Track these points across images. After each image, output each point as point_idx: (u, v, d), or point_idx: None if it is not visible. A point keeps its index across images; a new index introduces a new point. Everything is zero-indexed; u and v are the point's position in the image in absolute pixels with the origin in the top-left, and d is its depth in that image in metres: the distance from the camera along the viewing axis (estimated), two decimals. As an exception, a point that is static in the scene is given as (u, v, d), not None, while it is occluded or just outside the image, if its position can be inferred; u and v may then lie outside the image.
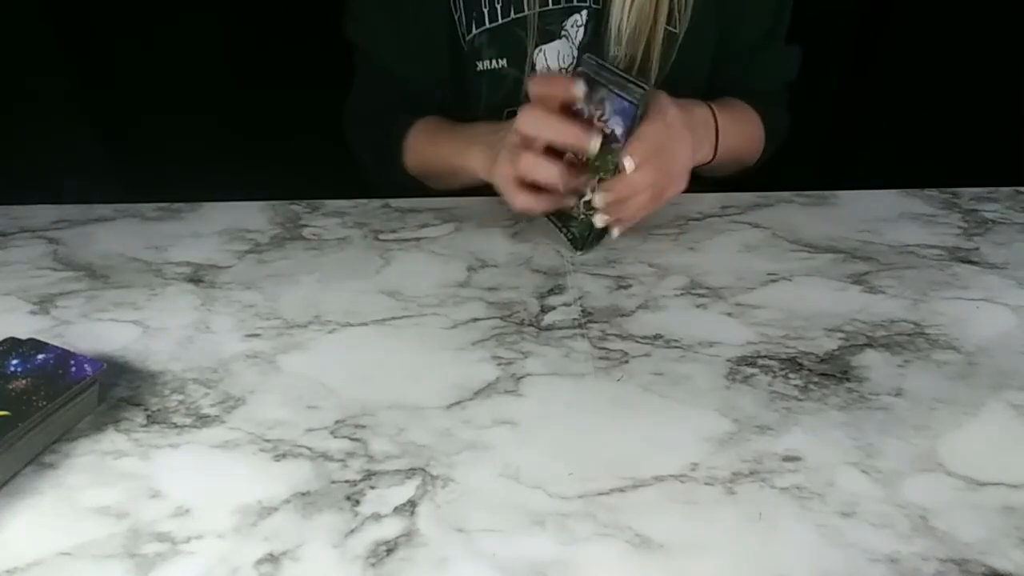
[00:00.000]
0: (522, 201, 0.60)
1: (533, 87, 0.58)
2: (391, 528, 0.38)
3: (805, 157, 1.08)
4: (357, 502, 0.40)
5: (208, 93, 1.24)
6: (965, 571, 0.36)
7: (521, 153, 0.58)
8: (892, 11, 1.22)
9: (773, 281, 0.59)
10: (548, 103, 0.58)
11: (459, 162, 0.69)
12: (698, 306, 0.56)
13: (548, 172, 0.57)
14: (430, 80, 0.80)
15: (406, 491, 0.40)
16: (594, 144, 0.56)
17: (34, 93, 1.20)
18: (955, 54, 1.16)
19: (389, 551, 0.37)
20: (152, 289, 0.59)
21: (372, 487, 0.40)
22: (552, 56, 0.76)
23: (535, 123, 0.57)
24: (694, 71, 0.77)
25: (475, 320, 0.55)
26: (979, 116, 1.14)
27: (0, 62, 1.15)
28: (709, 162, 0.71)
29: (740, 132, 0.76)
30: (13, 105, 1.17)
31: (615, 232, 0.62)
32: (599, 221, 0.60)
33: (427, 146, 0.77)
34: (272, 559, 0.36)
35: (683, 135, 0.62)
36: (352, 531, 0.38)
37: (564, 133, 0.57)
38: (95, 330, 0.54)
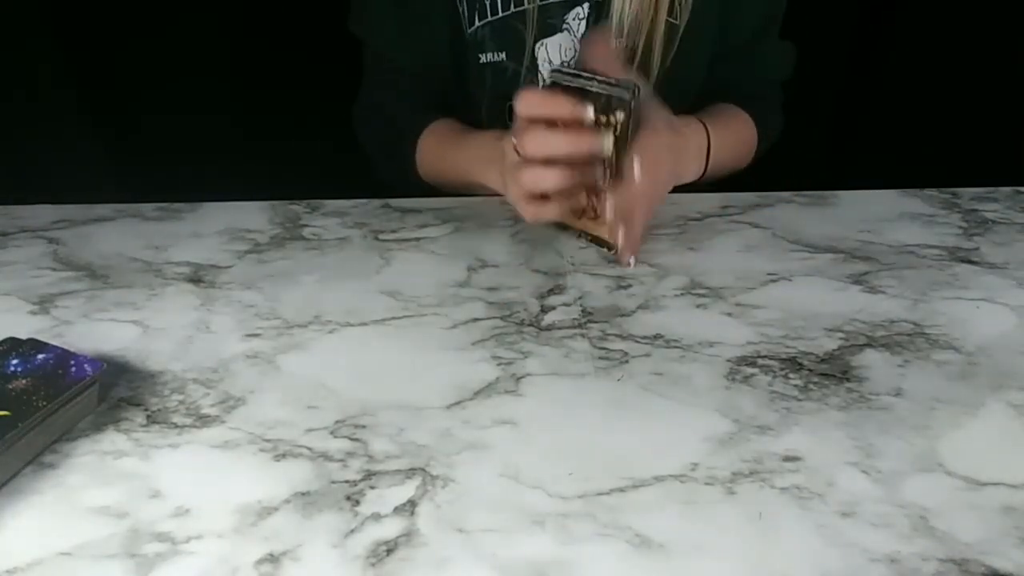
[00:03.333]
0: (531, 212, 0.59)
1: (527, 107, 0.56)
2: (391, 528, 0.38)
3: (805, 157, 1.08)
4: (357, 502, 0.40)
5: (208, 93, 1.24)
6: (965, 571, 0.36)
7: (522, 169, 0.57)
8: (892, 11, 1.22)
9: (773, 281, 0.59)
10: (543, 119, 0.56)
11: (478, 180, 0.69)
12: (698, 306, 0.56)
13: (553, 180, 0.56)
14: (435, 73, 0.80)
15: (406, 491, 0.40)
16: (607, 145, 0.56)
17: (34, 93, 1.20)
18: (955, 54, 1.16)
19: (389, 551, 0.37)
20: (152, 289, 0.59)
21: (372, 487, 0.40)
22: (554, 50, 0.76)
23: (542, 144, 0.56)
24: (695, 63, 0.77)
25: (475, 320, 0.55)
26: (979, 116, 1.14)
27: (0, 62, 1.15)
28: (699, 179, 0.71)
29: (733, 144, 0.76)
30: (13, 105, 1.17)
31: (632, 261, 0.61)
32: (613, 236, 0.60)
33: (441, 158, 0.76)
34: (272, 559, 0.36)
35: (671, 153, 0.61)
36: (352, 531, 0.38)
37: (578, 144, 0.55)
38: (95, 330, 0.54)
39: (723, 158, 0.72)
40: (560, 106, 0.55)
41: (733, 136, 0.75)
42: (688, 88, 0.78)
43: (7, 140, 1.16)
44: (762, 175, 0.81)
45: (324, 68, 0.88)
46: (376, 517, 0.39)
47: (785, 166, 0.84)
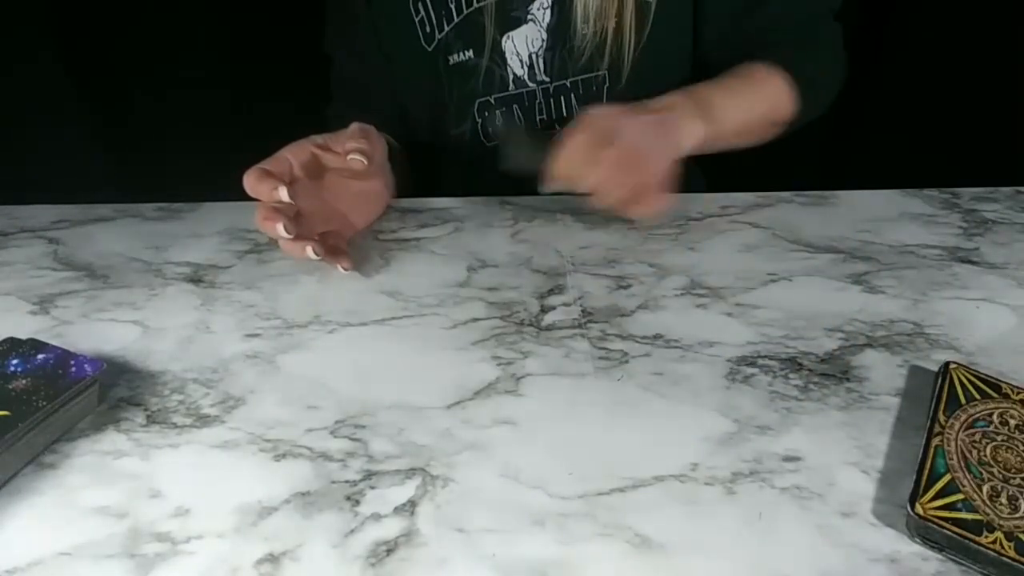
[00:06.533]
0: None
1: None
2: (391, 528, 0.38)
3: (805, 157, 1.08)
4: (357, 502, 0.40)
5: (208, 93, 1.24)
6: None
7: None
8: (892, 11, 1.22)
9: (773, 281, 0.59)
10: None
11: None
12: (698, 306, 0.56)
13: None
14: (388, 89, 0.81)
15: (406, 491, 0.40)
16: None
17: (34, 93, 1.20)
18: (955, 54, 1.16)
19: (389, 551, 0.37)
20: (152, 289, 0.59)
21: (372, 487, 0.40)
22: (520, 41, 0.76)
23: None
24: (674, 38, 0.75)
25: (475, 320, 0.55)
26: (979, 116, 1.14)
27: (0, 62, 1.15)
28: (709, 136, 0.67)
29: (740, 88, 0.72)
30: (13, 105, 1.17)
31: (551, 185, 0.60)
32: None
33: None
34: (272, 559, 0.36)
35: (644, 127, 0.60)
36: (352, 531, 0.38)
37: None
38: (95, 330, 0.54)
39: (734, 104, 0.70)
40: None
41: (739, 83, 0.72)
42: (672, 62, 0.76)
43: (7, 140, 1.16)
44: (762, 175, 0.81)
45: (325, 69, 0.88)
46: (376, 517, 0.39)
47: (785, 166, 0.84)
